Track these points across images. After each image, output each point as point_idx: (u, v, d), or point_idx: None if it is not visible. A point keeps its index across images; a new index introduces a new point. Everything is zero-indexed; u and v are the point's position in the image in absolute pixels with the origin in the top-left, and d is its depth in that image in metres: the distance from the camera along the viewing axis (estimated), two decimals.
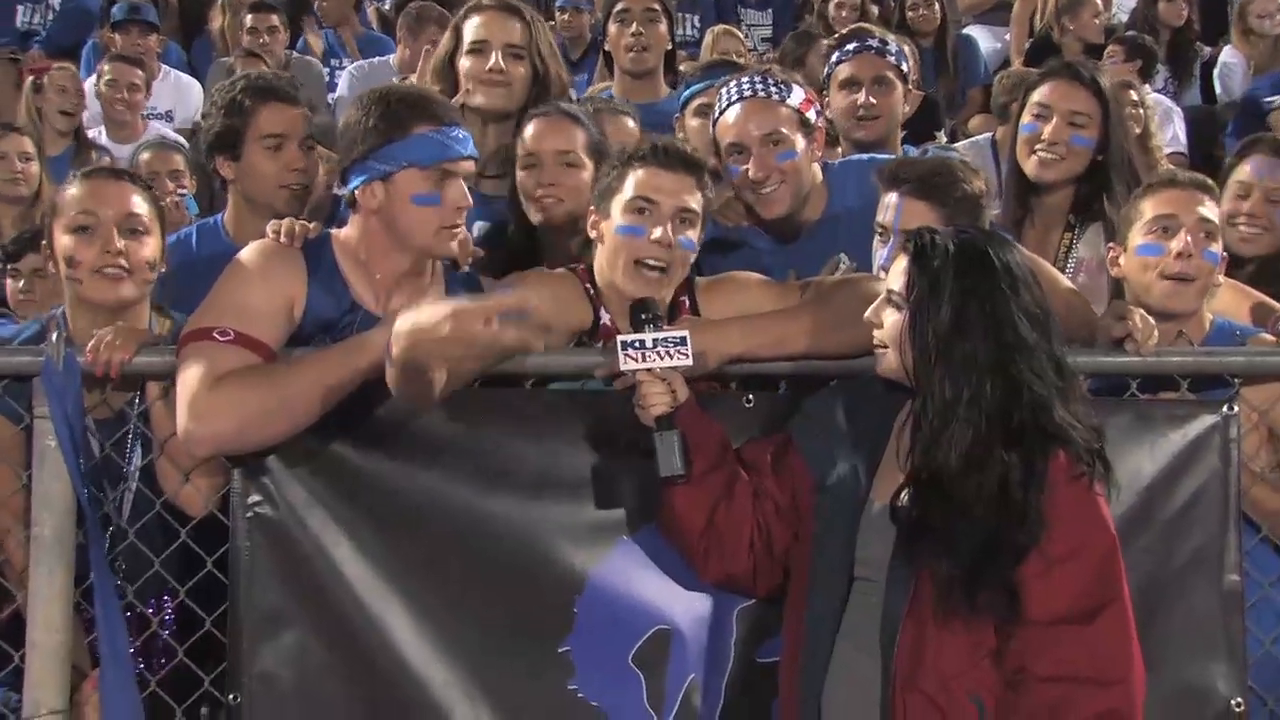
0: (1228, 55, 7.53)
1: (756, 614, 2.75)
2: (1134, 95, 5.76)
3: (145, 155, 5.03)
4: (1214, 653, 2.78)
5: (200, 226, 3.48)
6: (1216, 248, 3.07)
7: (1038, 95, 3.58)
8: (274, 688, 2.73)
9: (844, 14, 7.32)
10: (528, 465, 2.75)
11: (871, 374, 2.55)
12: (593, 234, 2.93)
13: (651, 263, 2.83)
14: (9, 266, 4.16)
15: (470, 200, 2.82)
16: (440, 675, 2.71)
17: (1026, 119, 3.58)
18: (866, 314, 2.49)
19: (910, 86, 3.89)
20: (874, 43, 3.83)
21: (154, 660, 2.91)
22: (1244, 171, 3.69)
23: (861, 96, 3.76)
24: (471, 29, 3.63)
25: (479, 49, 3.59)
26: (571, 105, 3.60)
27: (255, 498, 2.74)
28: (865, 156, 3.54)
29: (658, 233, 2.83)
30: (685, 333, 2.58)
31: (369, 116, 2.77)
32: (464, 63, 3.61)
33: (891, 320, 2.45)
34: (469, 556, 2.73)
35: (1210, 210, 3.09)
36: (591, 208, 2.94)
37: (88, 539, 2.75)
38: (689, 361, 2.57)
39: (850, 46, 3.85)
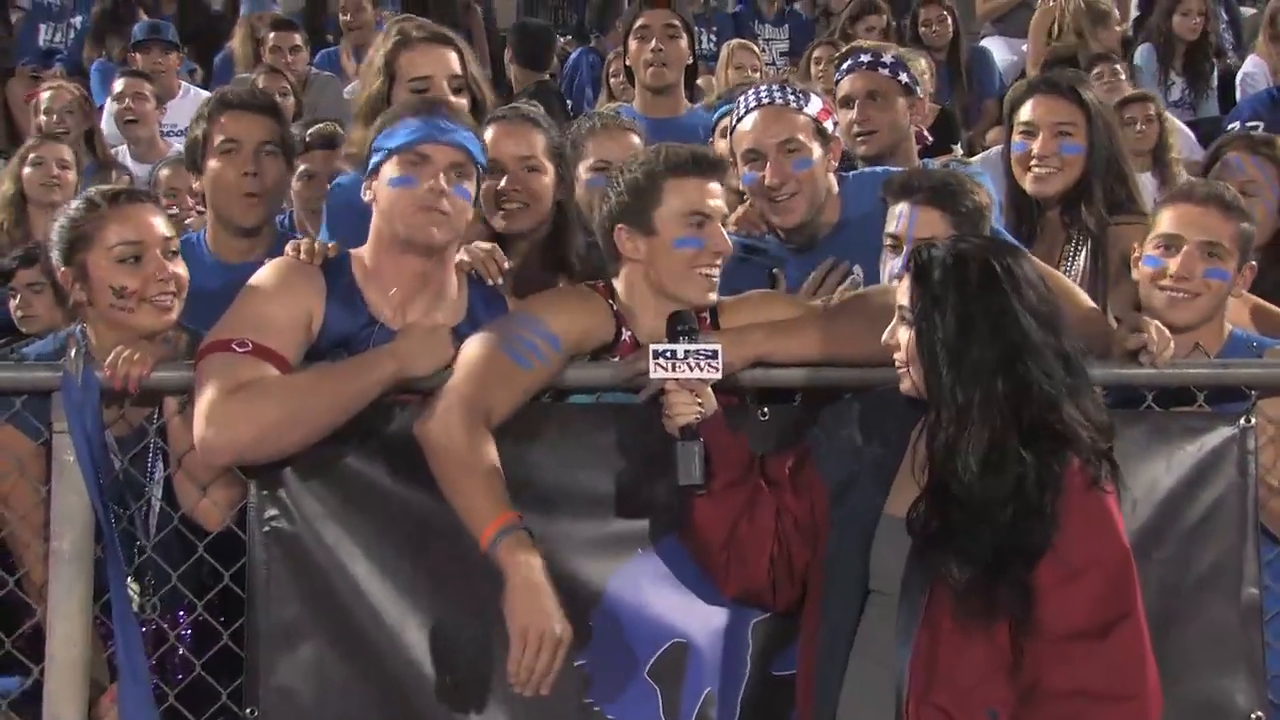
0: (1250, 65, 7.55)
1: (772, 627, 2.75)
2: (1151, 110, 5.76)
3: (164, 172, 5.06)
4: (1233, 666, 2.76)
5: (184, 242, 3.45)
6: (1225, 265, 3.02)
7: (1022, 114, 3.58)
8: (291, 701, 2.75)
9: (868, 37, 7.35)
10: (543, 478, 2.76)
11: (887, 386, 2.55)
12: (624, 250, 2.88)
13: (712, 273, 2.85)
14: (7, 286, 4.20)
15: (444, 185, 2.79)
16: (456, 689, 2.71)
17: (1016, 138, 3.59)
18: (884, 336, 2.50)
19: (920, 97, 3.88)
20: (865, 58, 3.83)
21: (171, 674, 2.92)
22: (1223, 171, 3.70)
23: (855, 113, 3.75)
24: (410, 65, 3.43)
25: (424, 87, 3.38)
26: (529, 108, 3.58)
27: (272, 512, 2.75)
28: (880, 169, 3.54)
29: (718, 243, 2.84)
30: (718, 346, 2.61)
31: (380, 121, 2.86)
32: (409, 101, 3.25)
33: (906, 338, 2.45)
34: (484, 570, 2.73)
35: (1218, 229, 3.03)
36: (620, 226, 2.88)
37: (105, 554, 2.77)
38: (718, 375, 2.60)
39: (845, 65, 3.86)
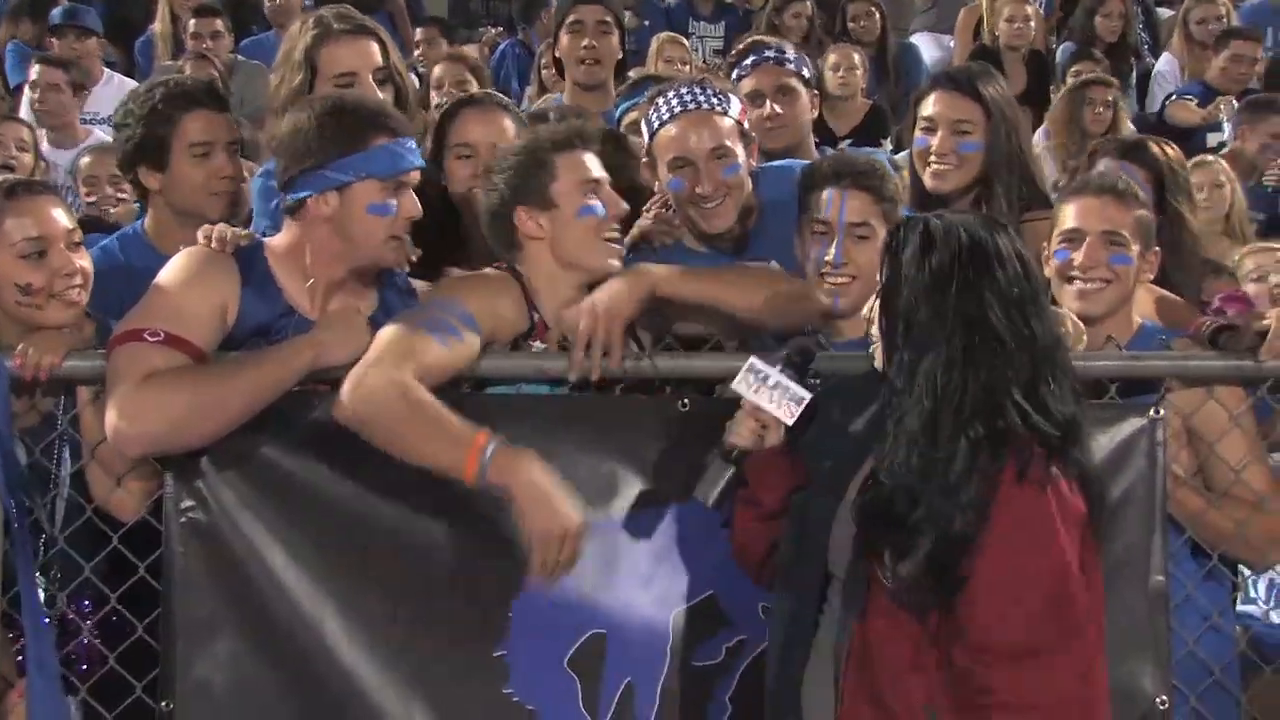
0: (1162, 63, 7.74)
1: (692, 618, 2.77)
2: (1110, 95, 5.84)
3: (85, 159, 4.97)
4: (1141, 652, 2.81)
5: (121, 236, 3.39)
6: (1127, 251, 3.08)
7: (924, 109, 3.59)
8: (208, 694, 2.73)
9: (794, 23, 7.42)
10: None
11: (854, 373, 2.57)
12: (527, 230, 2.89)
13: (615, 237, 2.93)
14: None
15: (420, 209, 2.84)
16: (375, 679, 2.71)
17: (917, 133, 3.59)
18: (863, 310, 2.50)
19: (815, 92, 3.90)
20: (771, 54, 3.82)
21: (76, 667, 2.87)
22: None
23: (766, 109, 3.76)
24: (333, 60, 3.34)
25: (349, 83, 3.30)
26: (500, 95, 3.63)
27: (188, 503, 2.73)
28: (788, 162, 3.56)
29: (616, 206, 2.93)
30: (808, 396, 2.54)
31: (323, 127, 2.77)
32: None
33: (876, 310, 2.42)
34: (403, 560, 2.73)
35: (1116, 217, 3.10)
36: (519, 207, 2.89)
37: (13, 546, 2.72)
38: (790, 421, 2.53)
39: (748, 60, 3.83)
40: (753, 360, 2.55)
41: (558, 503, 2.55)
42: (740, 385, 2.55)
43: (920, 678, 2.29)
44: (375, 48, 3.39)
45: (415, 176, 2.84)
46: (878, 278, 2.42)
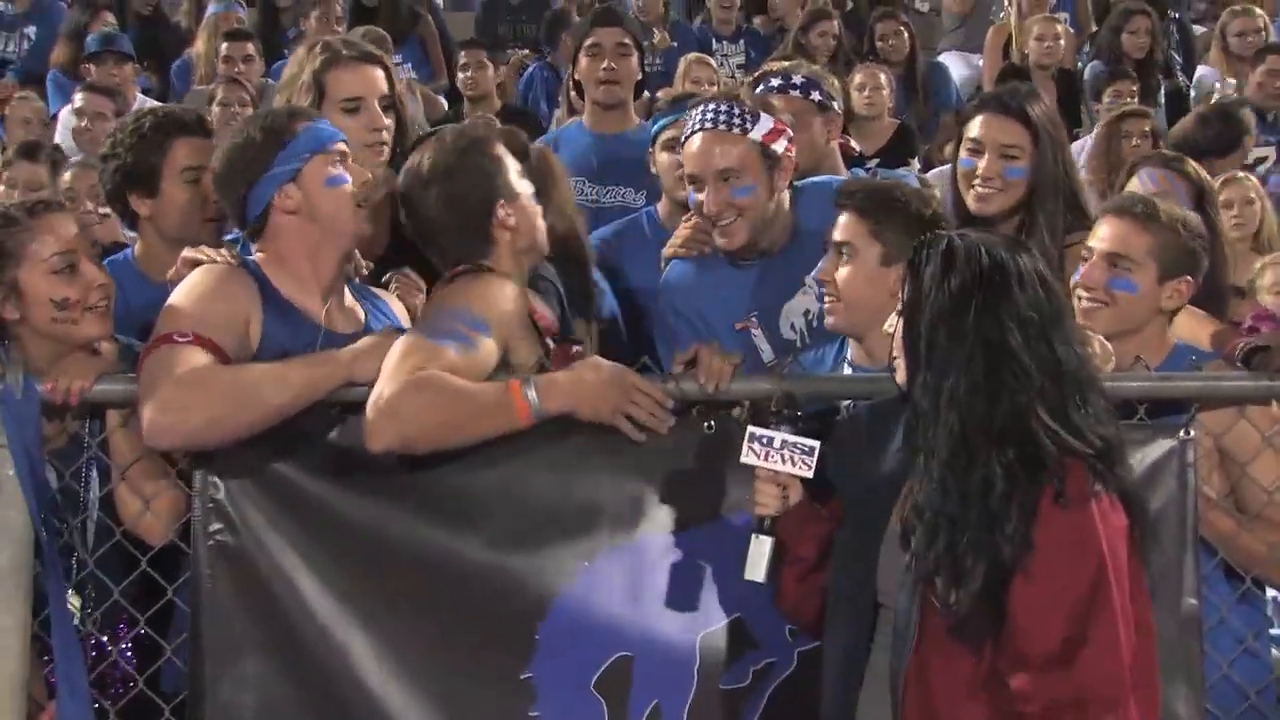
0: (1202, 72, 7.69)
1: (719, 641, 2.77)
2: (1147, 126, 5.82)
3: (66, 175, 4.98)
4: (1173, 676, 2.75)
5: (111, 263, 3.35)
6: (1131, 276, 3.05)
7: (971, 130, 3.56)
8: (235, 715, 2.73)
9: (821, 42, 7.42)
10: (489, 490, 2.75)
11: (881, 396, 2.56)
12: (504, 223, 2.90)
13: None
14: None
15: (366, 173, 2.96)
16: (401, 701, 2.71)
17: (962, 154, 3.55)
18: (885, 326, 2.49)
19: (837, 112, 3.88)
20: (775, 82, 3.82)
21: (110, 689, 2.88)
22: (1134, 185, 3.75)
23: None
24: (340, 84, 3.33)
25: (355, 107, 3.31)
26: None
27: (216, 525, 2.74)
28: (826, 178, 3.56)
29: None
30: (816, 444, 2.53)
31: (252, 138, 2.88)
32: (341, 120, 3.22)
33: (897, 330, 2.42)
34: (430, 582, 2.74)
35: (1126, 240, 3.07)
36: (499, 201, 2.90)
37: (45, 569, 2.74)
38: (809, 474, 2.53)
39: (756, 91, 3.81)
40: (750, 430, 2.55)
41: (603, 389, 2.69)
42: (749, 458, 2.55)
43: (976, 704, 2.28)
44: (381, 75, 3.42)
45: (345, 148, 2.95)
46: (899, 296, 2.42)
